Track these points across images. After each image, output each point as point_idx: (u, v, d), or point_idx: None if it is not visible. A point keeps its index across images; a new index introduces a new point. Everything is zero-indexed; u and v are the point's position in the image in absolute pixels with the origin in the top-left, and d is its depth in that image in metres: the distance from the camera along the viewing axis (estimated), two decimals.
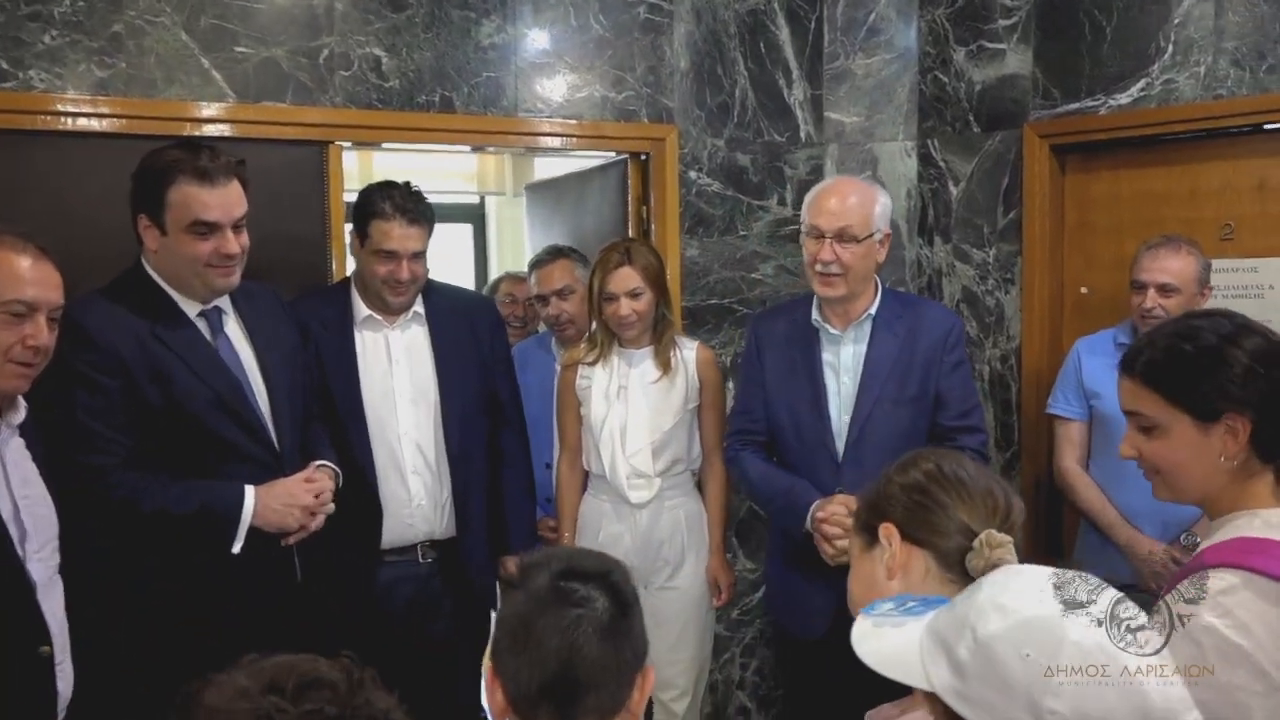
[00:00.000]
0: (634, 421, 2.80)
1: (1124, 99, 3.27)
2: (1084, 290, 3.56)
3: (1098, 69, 3.30)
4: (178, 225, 2.17)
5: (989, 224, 3.59)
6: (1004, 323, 3.58)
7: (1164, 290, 2.85)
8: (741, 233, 3.61)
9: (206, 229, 2.16)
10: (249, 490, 2.21)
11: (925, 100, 3.70)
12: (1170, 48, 3.13)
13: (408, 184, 2.72)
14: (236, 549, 2.19)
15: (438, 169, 6.42)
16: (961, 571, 1.31)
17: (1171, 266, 2.85)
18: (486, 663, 1.42)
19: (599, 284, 2.81)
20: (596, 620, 1.29)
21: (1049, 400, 3.13)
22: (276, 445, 2.31)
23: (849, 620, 2.60)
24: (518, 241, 6.20)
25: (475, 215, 7.20)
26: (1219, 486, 1.49)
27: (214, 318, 2.29)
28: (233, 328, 2.33)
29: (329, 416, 2.60)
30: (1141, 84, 3.23)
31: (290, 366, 2.43)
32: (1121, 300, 3.44)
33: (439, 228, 2.79)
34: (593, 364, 2.86)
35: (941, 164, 3.68)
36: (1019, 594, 1.05)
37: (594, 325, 2.88)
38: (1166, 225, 3.27)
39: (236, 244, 2.20)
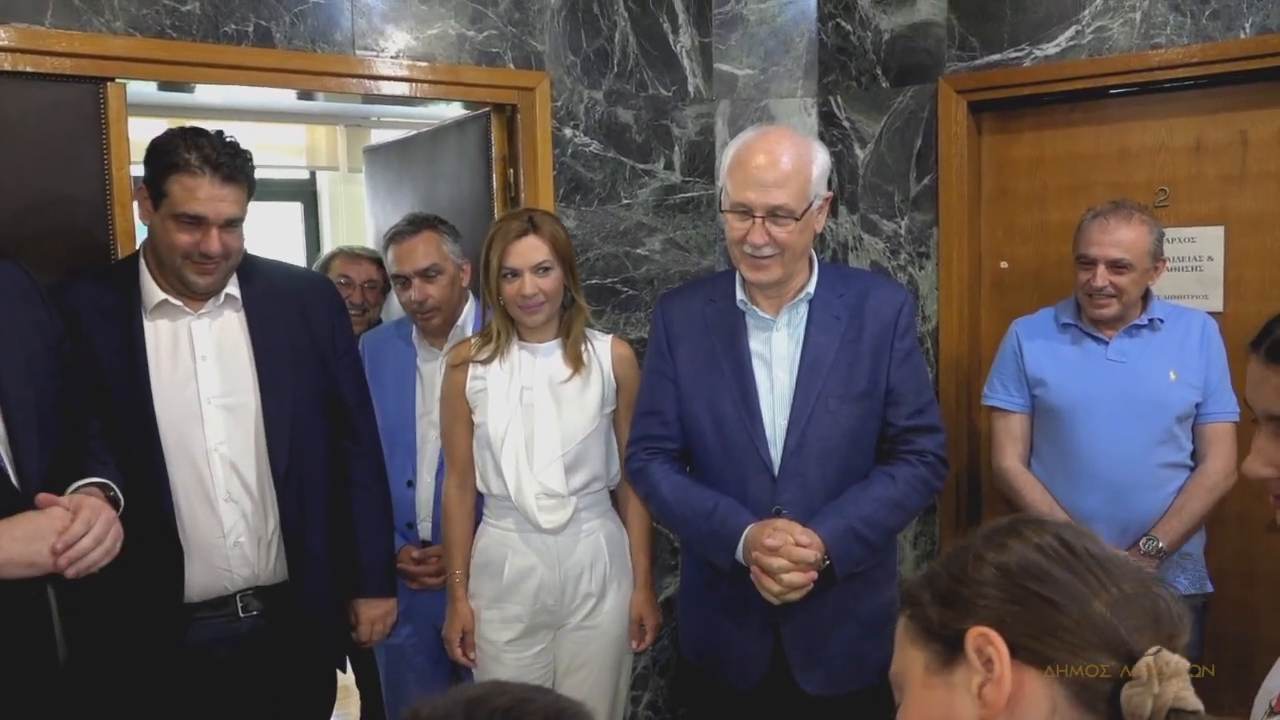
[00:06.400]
0: (542, 430, 2.27)
1: (1051, 49, 2.92)
2: (1003, 265, 3.21)
3: (1021, 15, 2.95)
4: None
5: (900, 191, 3.20)
6: (918, 302, 3.20)
7: (1115, 266, 2.49)
8: (625, 201, 3.10)
9: None
10: None
11: (827, 51, 3.27)
12: None
13: (220, 133, 2.11)
14: None
15: (260, 140, 5.69)
16: (1110, 713, 0.83)
17: (1124, 239, 2.50)
18: None
19: (498, 258, 2.25)
20: None
21: (984, 390, 2.75)
22: (14, 478, 1.67)
23: (786, 668, 2.19)
24: (356, 222, 5.55)
25: (305, 193, 6.54)
26: None
27: None
28: None
29: (110, 431, 1.96)
30: (1071, 32, 2.89)
31: (39, 368, 1.78)
32: (1045, 276, 3.13)
33: (262, 206, 2.16)
34: (487, 361, 2.31)
35: (846, 124, 3.26)
36: None
37: (487, 314, 2.32)
38: (1094, 191, 2.97)
39: None
